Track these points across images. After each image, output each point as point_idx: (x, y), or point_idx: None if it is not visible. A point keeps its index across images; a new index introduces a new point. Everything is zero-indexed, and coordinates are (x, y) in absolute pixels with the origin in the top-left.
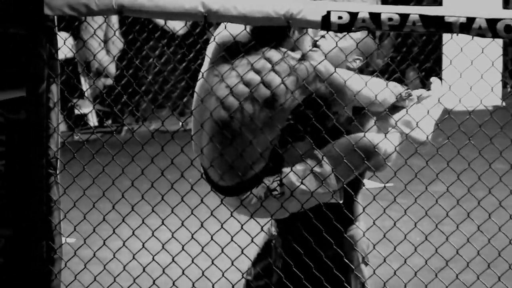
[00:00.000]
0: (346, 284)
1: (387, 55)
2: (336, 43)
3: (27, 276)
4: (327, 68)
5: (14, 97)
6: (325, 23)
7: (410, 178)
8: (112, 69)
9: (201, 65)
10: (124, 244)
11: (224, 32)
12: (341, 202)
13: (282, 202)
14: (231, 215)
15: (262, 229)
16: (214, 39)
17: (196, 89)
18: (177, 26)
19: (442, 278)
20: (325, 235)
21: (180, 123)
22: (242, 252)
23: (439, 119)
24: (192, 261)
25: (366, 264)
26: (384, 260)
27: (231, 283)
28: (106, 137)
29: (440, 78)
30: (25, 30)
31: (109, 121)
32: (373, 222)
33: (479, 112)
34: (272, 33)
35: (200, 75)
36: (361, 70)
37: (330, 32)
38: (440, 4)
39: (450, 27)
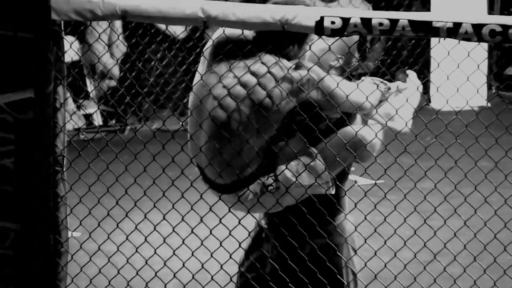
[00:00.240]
0: (338, 276)
1: (377, 58)
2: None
3: (35, 268)
4: (320, 77)
5: (23, 98)
6: (319, 28)
7: (399, 176)
8: (116, 71)
9: None
10: (127, 238)
11: (223, 35)
12: (333, 193)
13: (277, 197)
14: (229, 211)
15: (258, 225)
16: (213, 42)
17: (194, 89)
18: (178, 31)
19: (430, 270)
20: (315, 226)
21: (180, 123)
22: (240, 246)
23: (417, 107)
24: (192, 254)
25: (355, 252)
26: (375, 254)
27: (229, 275)
28: (110, 136)
29: (428, 80)
30: (33, 34)
31: (113, 121)
32: (365, 217)
33: (465, 113)
34: (272, 42)
35: (196, 77)
36: (343, 70)
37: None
38: (429, 10)
39: (437, 32)
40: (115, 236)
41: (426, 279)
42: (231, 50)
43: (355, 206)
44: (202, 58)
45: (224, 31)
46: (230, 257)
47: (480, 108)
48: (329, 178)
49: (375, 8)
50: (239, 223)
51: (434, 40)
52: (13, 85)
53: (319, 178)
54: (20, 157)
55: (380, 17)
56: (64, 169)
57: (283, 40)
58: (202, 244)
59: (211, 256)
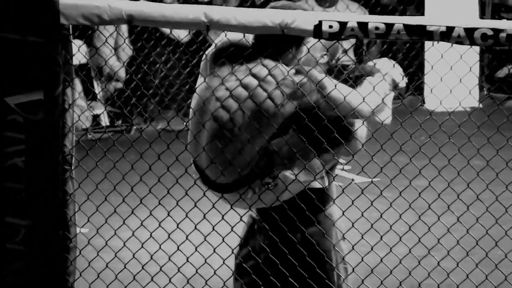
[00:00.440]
0: (327, 259)
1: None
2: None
3: (45, 262)
4: (318, 81)
5: (32, 99)
6: (317, 32)
7: (395, 174)
8: (122, 73)
9: None
10: (133, 234)
11: (225, 40)
12: (326, 185)
13: (278, 194)
14: (231, 208)
15: (250, 216)
16: (215, 46)
17: (197, 92)
18: (182, 35)
19: (425, 265)
20: (306, 215)
21: (184, 123)
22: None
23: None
24: (196, 250)
25: (344, 239)
26: (372, 249)
27: (231, 270)
28: (116, 136)
29: (422, 82)
30: (42, 38)
31: (120, 121)
32: (362, 214)
33: (458, 113)
34: (272, 46)
35: (199, 80)
36: (330, 70)
37: None
38: (423, 14)
39: (431, 36)
40: (122, 232)
41: (420, 273)
42: (233, 54)
43: (352, 203)
44: (204, 61)
45: (226, 35)
46: (232, 252)
47: (472, 109)
48: (324, 172)
49: (371, 13)
50: (241, 219)
51: (428, 44)
52: (23, 87)
53: (314, 173)
54: (30, 156)
55: (376, 21)
56: (73, 168)
57: (281, 43)
58: (205, 239)
59: (214, 251)
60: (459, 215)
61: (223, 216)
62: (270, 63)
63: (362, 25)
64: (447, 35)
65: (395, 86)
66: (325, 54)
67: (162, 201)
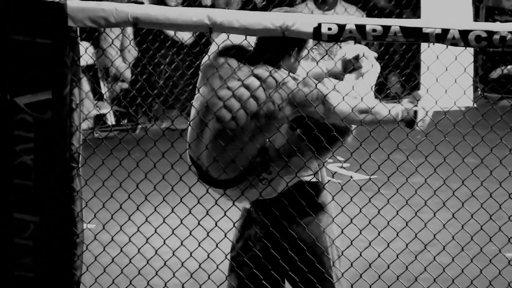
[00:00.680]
0: (318, 243)
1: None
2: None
3: (53, 257)
4: (321, 92)
5: (41, 99)
6: (316, 34)
7: (392, 171)
8: (128, 74)
9: None
10: (138, 230)
11: (227, 41)
12: (319, 179)
13: (275, 187)
14: (233, 204)
15: (244, 209)
16: (218, 47)
17: (200, 92)
18: (185, 37)
19: (421, 260)
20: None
21: (188, 122)
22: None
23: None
24: (199, 245)
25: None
26: (370, 244)
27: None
28: (122, 134)
29: (418, 83)
30: (51, 40)
31: (125, 121)
32: (360, 210)
33: (453, 113)
34: (273, 50)
35: (200, 80)
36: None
37: None
38: (419, 17)
39: (427, 37)
40: (127, 227)
41: (417, 268)
42: (235, 56)
43: (351, 200)
44: (206, 62)
45: (228, 37)
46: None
47: (467, 108)
48: (318, 168)
49: (368, 15)
50: (243, 216)
51: (424, 45)
52: (32, 87)
53: (309, 169)
54: (39, 154)
55: (374, 23)
56: (80, 165)
57: (283, 46)
58: (208, 235)
59: (217, 246)
60: (455, 211)
61: (225, 212)
62: (269, 67)
63: (360, 27)
64: (442, 37)
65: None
66: (315, 48)
67: (166, 197)
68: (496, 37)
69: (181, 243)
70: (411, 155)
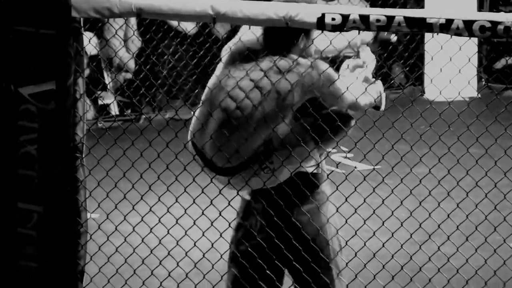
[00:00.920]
0: (321, 233)
1: (375, 52)
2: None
3: (56, 247)
4: (331, 77)
5: (45, 89)
6: (320, 24)
7: (396, 161)
8: (131, 64)
9: (210, 61)
10: (142, 219)
11: (239, 42)
12: (321, 170)
13: (277, 175)
14: (237, 194)
15: (243, 199)
16: (230, 48)
17: (209, 85)
18: (189, 27)
19: (425, 250)
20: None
21: (192, 112)
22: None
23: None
24: (203, 234)
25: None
26: (374, 234)
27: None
28: (126, 124)
29: (422, 73)
30: (54, 30)
31: (129, 111)
32: (364, 200)
33: (457, 103)
34: (281, 41)
35: (216, 74)
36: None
37: None
38: (423, 7)
39: (431, 27)
40: (131, 217)
41: (421, 258)
42: (246, 57)
43: (355, 190)
44: (225, 57)
45: (240, 38)
46: None
47: (471, 99)
48: (321, 158)
49: (372, 6)
50: (246, 205)
51: (428, 35)
52: (36, 77)
53: (311, 161)
54: (43, 145)
55: (377, 13)
56: (84, 155)
57: (290, 33)
58: (212, 225)
59: (221, 235)
60: (459, 201)
61: (229, 202)
62: (283, 60)
63: (364, 18)
64: (446, 27)
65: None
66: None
67: (170, 187)
68: (501, 27)
69: (185, 232)
70: (415, 145)
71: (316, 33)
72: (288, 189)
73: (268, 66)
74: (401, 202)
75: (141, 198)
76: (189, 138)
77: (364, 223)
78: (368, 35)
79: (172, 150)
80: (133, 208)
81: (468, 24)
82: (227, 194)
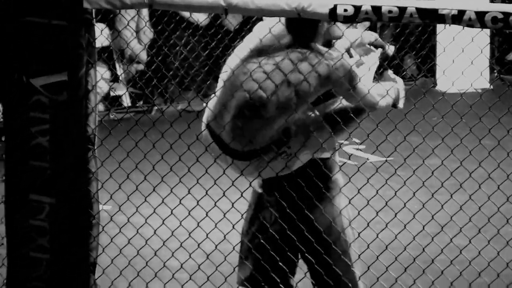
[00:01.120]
0: (334, 224)
1: (387, 43)
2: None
3: (68, 239)
4: (353, 78)
5: (57, 80)
6: (332, 15)
7: (409, 153)
8: (143, 56)
9: (222, 52)
10: (154, 211)
11: (269, 35)
12: (336, 158)
13: (291, 163)
14: (250, 185)
15: (255, 192)
16: (260, 40)
17: (233, 68)
18: (201, 18)
19: (438, 242)
20: (315, 183)
21: (204, 104)
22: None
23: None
24: (215, 226)
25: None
26: (386, 226)
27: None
28: (138, 116)
29: (434, 64)
30: (66, 21)
31: (141, 102)
32: (376, 192)
33: (470, 94)
34: (305, 31)
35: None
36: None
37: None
38: None
39: (443, 19)
40: (143, 209)
41: (433, 250)
42: (271, 43)
43: (367, 182)
44: (246, 41)
45: (270, 31)
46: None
47: (483, 90)
48: (336, 145)
49: None
50: (259, 197)
51: (440, 27)
52: (48, 68)
53: (328, 147)
54: (55, 136)
55: (390, 5)
56: (96, 147)
57: (312, 25)
58: (224, 216)
59: (233, 227)
60: (471, 193)
61: (242, 193)
62: (304, 47)
63: (376, 9)
64: (458, 18)
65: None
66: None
67: (182, 179)
68: None
69: (198, 224)
70: (427, 137)
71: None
72: (301, 179)
73: (295, 57)
74: (414, 194)
75: (153, 190)
76: (203, 128)
77: (377, 214)
78: (371, 36)
79: (184, 141)
80: (145, 200)
81: (480, 15)
82: (239, 185)
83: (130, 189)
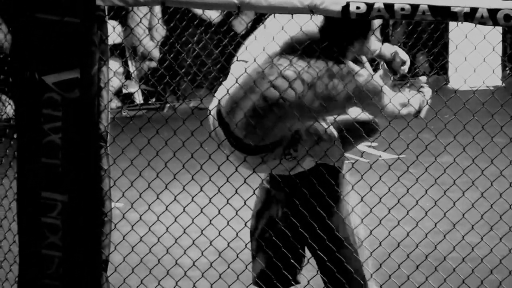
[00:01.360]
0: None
1: (399, 41)
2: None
3: (80, 237)
4: (376, 89)
5: (69, 77)
6: (345, 13)
7: (421, 151)
8: (155, 53)
9: (234, 50)
10: (166, 208)
11: (301, 32)
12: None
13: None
14: (262, 182)
15: (263, 187)
16: (291, 37)
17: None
18: (213, 15)
19: (450, 239)
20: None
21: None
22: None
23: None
24: (227, 224)
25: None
26: (398, 223)
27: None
28: (150, 113)
29: (447, 62)
30: (79, 18)
31: (153, 99)
32: (388, 189)
33: (482, 92)
34: (338, 44)
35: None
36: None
37: None
38: None
39: (455, 16)
40: (155, 206)
41: (445, 247)
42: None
43: (380, 179)
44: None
45: (301, 29)
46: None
47: (496, 88)
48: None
49: None
50: (272, 196)
51: (452, 24)
52: (60, 66)
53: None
54: (67, 133)
55: (402, 2)
56: (108, 144)
57: (348, 33)
58: (236, 214)
59: (245, 225)
60: (483, 190)
61: (254, 190)
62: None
63: (388, 6)
64: (470, 15)
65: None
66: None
67: (194, 176)
68: None
69: (210, 222)
70: (439, 134)
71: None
72: (312, 177)
73: (321, 67)
74: (426, 191)
75: (166, 187)
76: (213, 113)
77: (389, 212)
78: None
79: (196, 138)
80: (158, 197)
81: (493, 12)
82: (251, 182)
83: (142, 186)
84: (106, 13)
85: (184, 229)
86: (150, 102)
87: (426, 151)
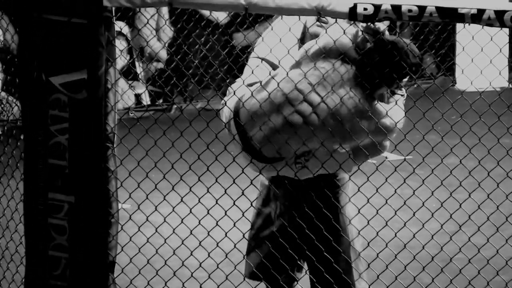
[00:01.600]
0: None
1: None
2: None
3: (87, 238)
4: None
5: (76, 78)
6: (352, 14)
7: (427, 152)
8: (163, 54)
9: (242, 51)
10: (173, 210)
11: (330, 40)
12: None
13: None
14: (270, 185)
15: (264, 185)
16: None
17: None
18: (221, 16)
19: (456, 240)
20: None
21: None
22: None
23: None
24: (234, 225)
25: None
26: (404, 225)
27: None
28: (157, 114)
29: (454, 63)
30: (86, 19)
31: (160, 100)
32: (395, 191)
33: (488, 93)
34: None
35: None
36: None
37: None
38: None
39: (462, 18)
40: (162, 207)
41: (452, 249)
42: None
43: (386, 180)
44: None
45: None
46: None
47: (502, 89)
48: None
49: None
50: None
51: (459, 26)
52: (67, 67)
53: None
54: (74, 134)
55: (409, 4)
56: (115, 145)
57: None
58: (243, 215)
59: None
60: (490, 192)
61: (260, 192)
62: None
63: (396, 8)
64: (478, 17)
65: None
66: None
67: (201, 177)
68: None
69: (216, 223)
70: (446, 135)
71: None
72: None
73: (351, 102)
74: (432, 193)
75: (172, 189)
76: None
77: (395, 213)
78: None
79: (203, 140)
80: (164, 199)
81: (500, 14)
82: (258, 184)
83: (149, 187)
84: (113, 14)
85: (191, 230)
86: (157, 103)
87: (433, 153)
